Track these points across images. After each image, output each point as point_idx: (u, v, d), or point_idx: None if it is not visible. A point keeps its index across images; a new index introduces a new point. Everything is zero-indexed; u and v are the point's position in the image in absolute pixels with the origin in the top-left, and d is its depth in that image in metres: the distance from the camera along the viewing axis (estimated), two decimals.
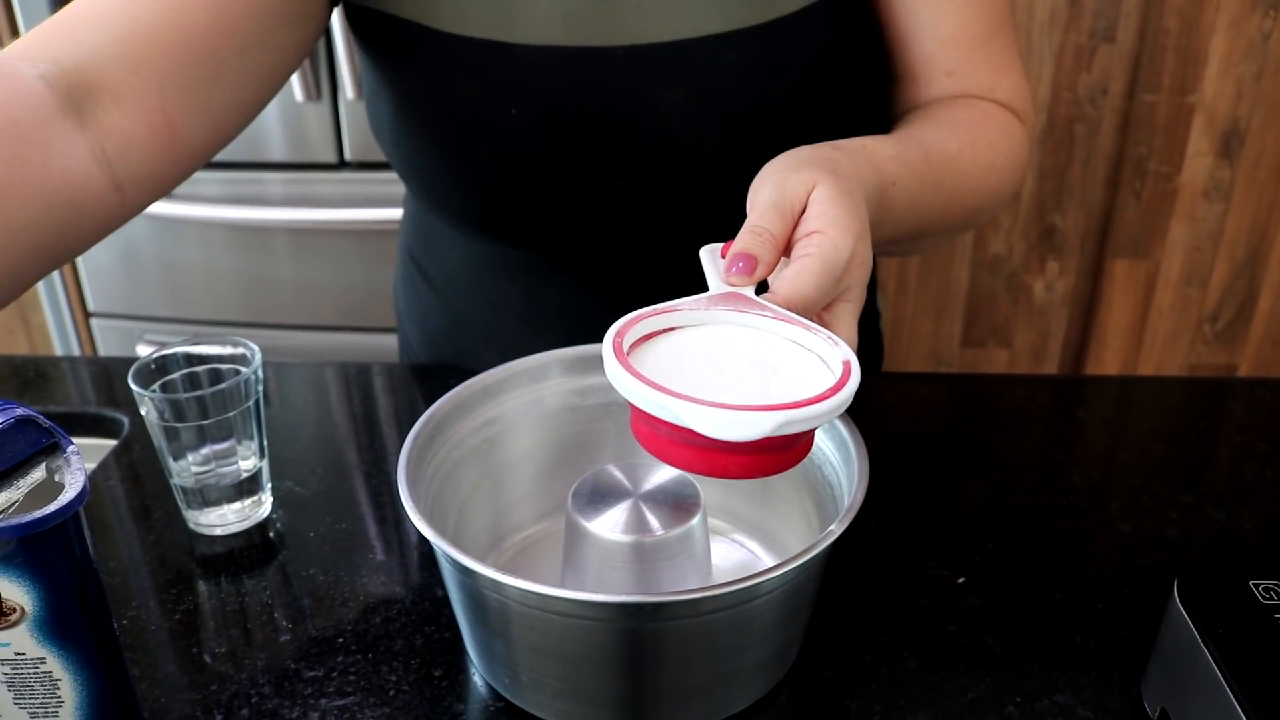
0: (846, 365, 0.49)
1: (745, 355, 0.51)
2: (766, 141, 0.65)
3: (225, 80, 0.65)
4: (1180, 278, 1.81)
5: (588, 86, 0.69)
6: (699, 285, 0.57)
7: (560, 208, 0.75)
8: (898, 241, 0.69)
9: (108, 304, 1.83)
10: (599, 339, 0.52)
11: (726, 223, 0.61)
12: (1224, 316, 1.84)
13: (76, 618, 0.48)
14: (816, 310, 0.55)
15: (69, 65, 0.59)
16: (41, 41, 0.61)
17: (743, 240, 0.55)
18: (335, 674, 0.59)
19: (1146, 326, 1.85)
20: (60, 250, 0.60)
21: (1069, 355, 1.90)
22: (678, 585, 0.56)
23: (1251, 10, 1.61)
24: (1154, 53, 1.65)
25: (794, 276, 0.54)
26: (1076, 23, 1.65)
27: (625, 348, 0.50)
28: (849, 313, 0.57)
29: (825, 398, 0.47)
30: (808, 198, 0.56)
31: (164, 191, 0.66)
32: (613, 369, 0.48)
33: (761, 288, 0.56)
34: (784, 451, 0.49)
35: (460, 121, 0.72)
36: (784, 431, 0.45)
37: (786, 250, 0.56)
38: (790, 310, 0.53)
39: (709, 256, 0.59)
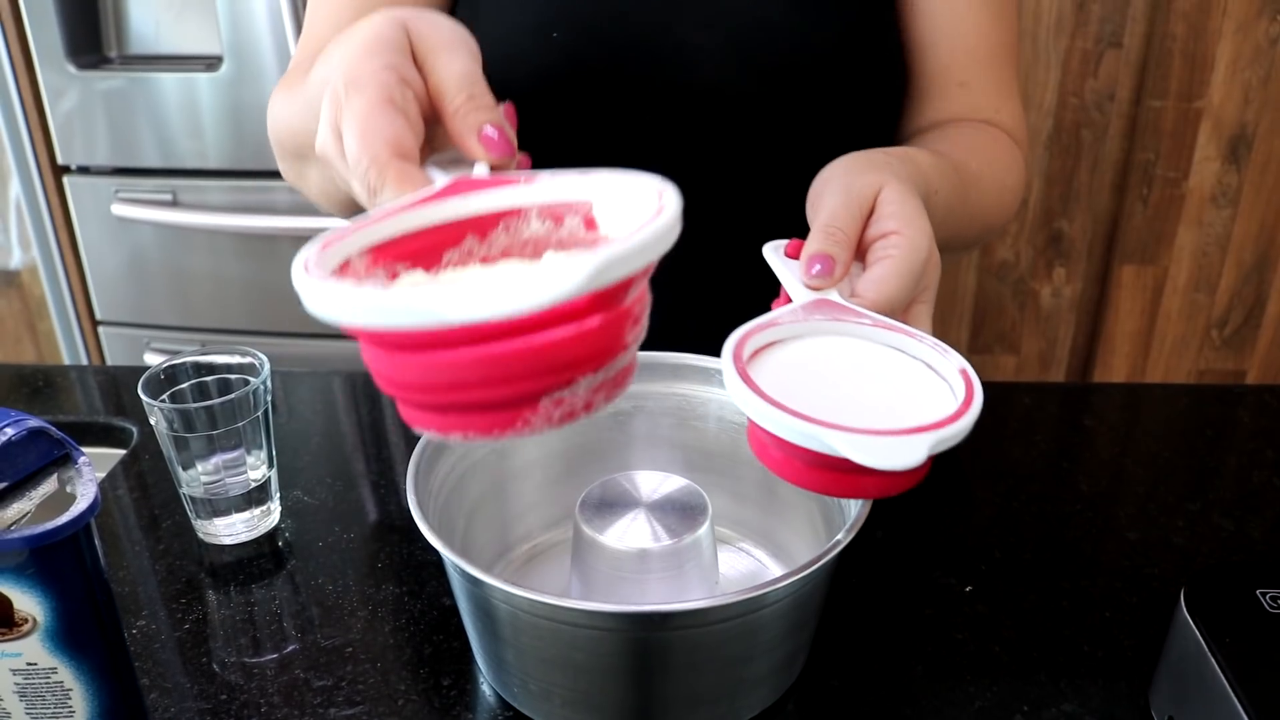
0: (965, 374, 0.48)
1: (857, 369, 0.50)
2: (790, 96, 0.70)
3: None
4: (1188, 283, 1.80)
5: (626, 22, 0.72)
6: (718, 248, 0.55)
7: (589, 139, 0.77)
8: None
9: (115, 312, 1.84)
10: None
11: (744, 170, 0.62)
12: (1232, 322, 1.83)
13: (87, 628, 0.48)
14: (899, 312, 0.55)
15: None
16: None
17: (817, 241, 0.55)
18: (344, 683, 0.59)
19: (1154, 332, 1.85)
20: None
21: (1076, 361, 1.90)
22: (685, 594, 0.56)
23: (1259, 15, 1.61)
24: (1161, 58, 1.65)
25: (879, 279, 0.54)
26: (1083, 28, 1.65)
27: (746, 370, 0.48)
28: (925, 314, 0.57)
29: (963, 413, 0.46)
30: (875, 199, 0.56)
31: None
32: (748, 400, 0.46)
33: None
34: (919, 469, 0.47)
35: (505, 44, 0.74)
36: (936, 451, 0.44)
37: (859, 254, 0.56)
38: (878, 313, 0.53)
39: (775, 256, 0.58)
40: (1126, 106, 1.69)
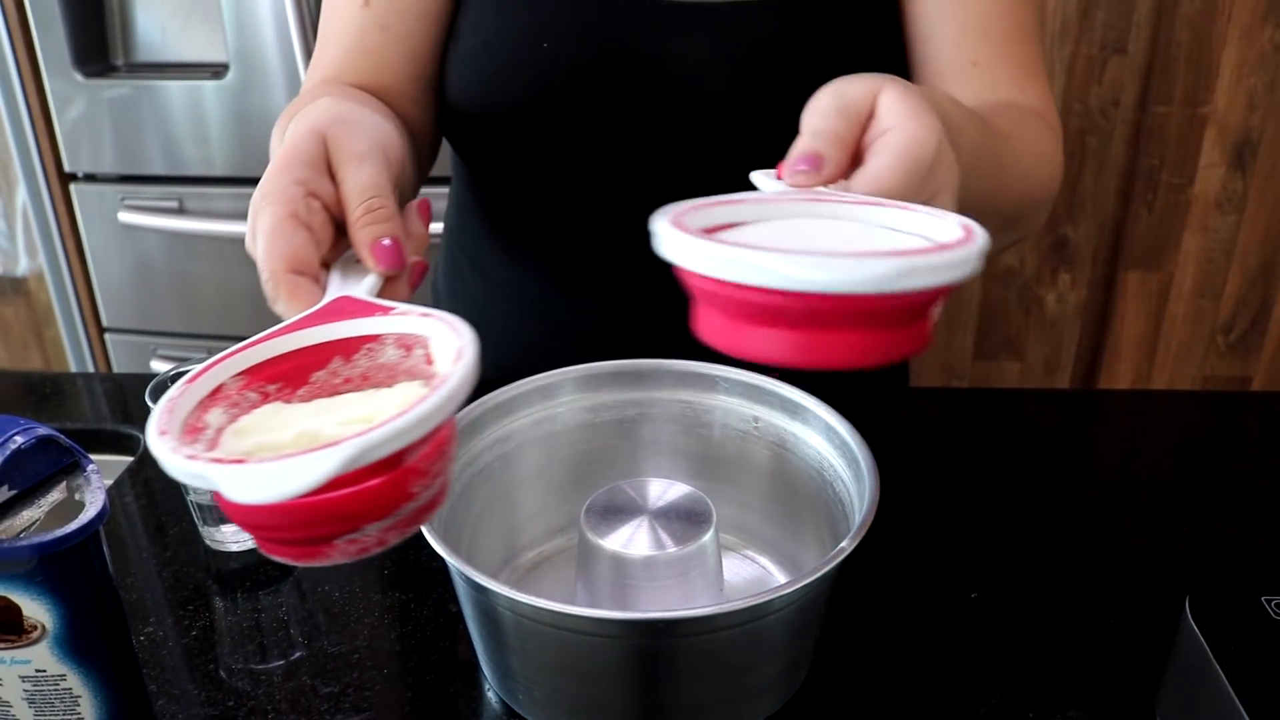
0: (966, 226, 0.41)
1: (837, 243, 0.43)
2: (781, 106, 0.65)
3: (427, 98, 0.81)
4: (1193, 289, 1.80)
5: (616, 31, 0.73)
6: None
7: (583, 147, 0.77)
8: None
9: (121, 319, 1.84)
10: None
11: (735, 182, 0.57)
12: (1237, 328, 1.83)
13: (96, 635, 0.48)
14: None
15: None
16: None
17: (804, 142, 0.49)
18: (351, 690, 0.59)
19: (1160, 338, 1.85)
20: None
21: (1082, 367, 1.90)
22: (690, 601, 0.57)
23: (1263, 21, 1.61)
24: (1165, 64, 1.65)
25: (875, 174, 0.47)
26: (1088, 34, 1.65)
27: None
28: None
29: (951, 247, 0.39)
30: (873, 101, 0.50)
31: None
32: (671, 236, 0.40)
33: None
34: (899, 329, 0.40)
35: (500, 54, 0.75)
36: (907, 284, 0.37)
37: (855, 163, 0.50)
38: None
39: (765, 181, 0.51)
40: (1131, 112, 1.69)
